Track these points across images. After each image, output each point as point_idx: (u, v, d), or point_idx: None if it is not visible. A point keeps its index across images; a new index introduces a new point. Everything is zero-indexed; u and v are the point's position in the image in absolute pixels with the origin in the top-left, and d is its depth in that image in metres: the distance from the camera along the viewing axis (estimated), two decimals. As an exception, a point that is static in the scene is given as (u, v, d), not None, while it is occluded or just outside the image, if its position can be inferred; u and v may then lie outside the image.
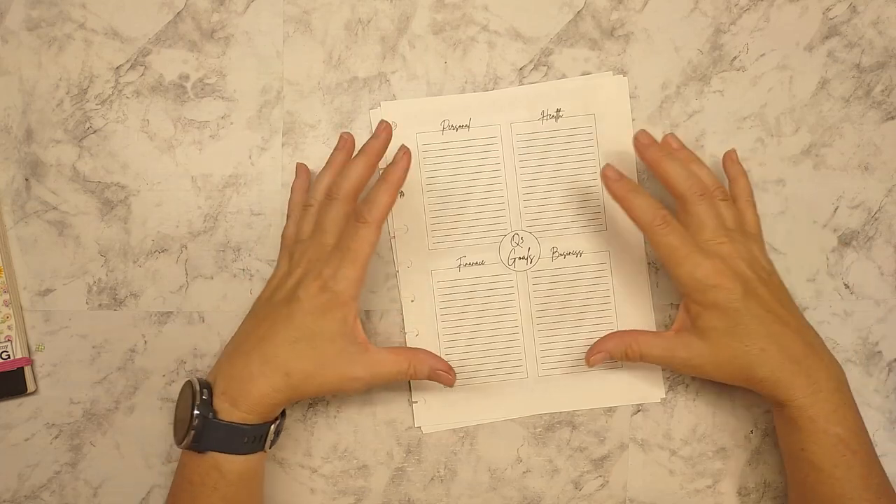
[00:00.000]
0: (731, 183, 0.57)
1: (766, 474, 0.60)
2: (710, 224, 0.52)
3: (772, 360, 0.51)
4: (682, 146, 0.58)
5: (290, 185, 0.59)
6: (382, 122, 0.54)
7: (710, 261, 0.51)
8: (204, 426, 0.49)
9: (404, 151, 0.52)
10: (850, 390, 0.52)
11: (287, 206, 0.58)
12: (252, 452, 0.51)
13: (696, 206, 0.52)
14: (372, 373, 0.52)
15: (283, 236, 0.56)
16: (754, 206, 0.56)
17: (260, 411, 0.50)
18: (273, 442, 0.52)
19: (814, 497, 0.52)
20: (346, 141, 0.57)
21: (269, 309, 0.52)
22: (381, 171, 0.59)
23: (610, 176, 0.53)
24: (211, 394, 0.50)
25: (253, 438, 0.50)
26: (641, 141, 0.54)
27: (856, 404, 0.52)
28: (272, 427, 0.51)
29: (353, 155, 0.55)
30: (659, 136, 0.59)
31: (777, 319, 0.51)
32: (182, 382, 0.58)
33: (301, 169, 0.58)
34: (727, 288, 0.50)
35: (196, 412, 0.49)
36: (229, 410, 0.49)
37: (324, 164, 0.56)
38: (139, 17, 0.59)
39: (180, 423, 0.50)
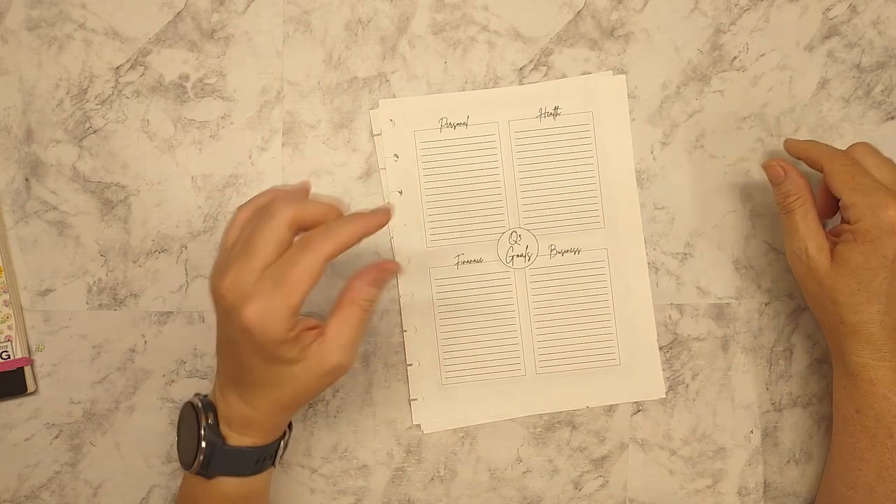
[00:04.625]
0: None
1: (766, 474, 0.60)
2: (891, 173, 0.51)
3: (867, 315, 0.50)
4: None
5: (291, 184, 0.59)
6: (387, 209, 0.47)
7: (893, 200, 0.49)
8: (213, 452, 0.47)
9: (388, 208, 0.47)
10: None
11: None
12: (261, 471, 0.49)
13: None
14: (326, 374, 0.45)
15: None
16: None
17: (268, 432, 0.48)
18: (281, 455, 0.51)
19: (860, 465, 0.51)
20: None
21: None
22: (382, 171, 0.59)
23: (789, 141, 0.55)
24: (216, 416, 0.48)
25: (263, 458, 0.49)
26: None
27: None
28: (281, 443, 0.50)
29: (348, 215, 0.46)
30: (659, 137, 0.59)
31: None
32: (182, 382, 0.59)
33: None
34: (893, 231, 0.49)
35: (204, 439, 0.47)
36: (239, 437, 0.47)
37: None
38: (139, 17, 0.59)
39: (186, 448, 0.48)
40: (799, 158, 0.54)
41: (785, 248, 0.54)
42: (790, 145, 0.55)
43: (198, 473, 0.48)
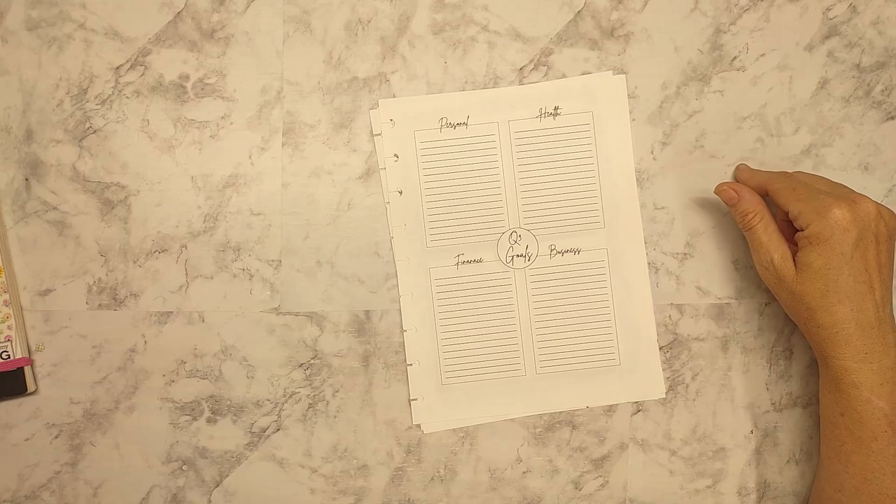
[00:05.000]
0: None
1: (766, 474, 0.59)
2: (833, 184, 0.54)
3: (839, 314, 0.51)
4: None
5: (290, 185, 0.59)
6: None
7: (837, 202, 0.51)
8: None
9: None
10: None
11: None
12: None
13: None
14: None
15: None
16: None
17: None
18: None
19: (846, 468, 0.52)
20: None
21: None
22: (383, 171, 0.59)
23: (740, 168, 0.59)
24: None
25: None
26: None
27: None
28: None
29: None
30: (659, 137, 0.59)
31: (867, 281, 0.51)
32: (182, 382, 0.59)
33: None
34: (844, 228, 0.50)
35: None
36: None
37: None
38: (139, 17, 0.59)
39: None
40: (747, 185, 0.57)
41: (754, 264, 0.56)
42: (739, 174, 0.59)
43: None
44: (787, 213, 0.54)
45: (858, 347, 0.51)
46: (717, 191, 0.57)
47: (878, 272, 0.52)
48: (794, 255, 0.53)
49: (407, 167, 0.59)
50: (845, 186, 0.54)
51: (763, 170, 0.58)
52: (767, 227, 0.54)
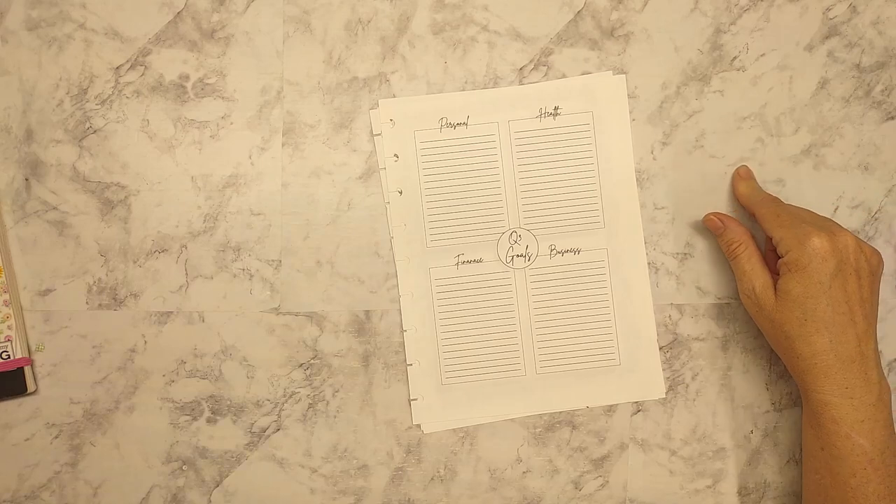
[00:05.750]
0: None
1: (766, 474, 0.60)
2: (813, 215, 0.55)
3: (817, 344, 0.51)
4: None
5: (290, 185, 0.59)
6: None
7: (817, 231, 0.51)
8: None
9: None
10: (889, 412, 0.51)
11: None
12: None
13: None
14: None
15: None
16: None
17: None
18: None
19: (825, 501, 0.52)
20: None
21: None
22: (383, 171, 0.59)
23: (740, 174, 0.59)
24: None
25: None
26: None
27: (892, 427, 0.51)
28: None
29: None
30: (659, 137, 0.59)
31: (847, 312, 0.51)
32: (182, 382, 0.59)
33: None
34: (823, 257, 0.51)
35: None
36: None
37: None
38: (139, 17, 0.59)
39: None
40: (741, 199, 0.59)
41: (739, 292, 0.56)
42: (737, 181, 0.59)
43: None
44: (771, 240, 0.55)
45: (838, 381, 0.51)
46: (705, 220, 0.59)
47: (860, 306, 0.52)
48: (774, 282, 0.54)
49: (407, 167, 0.59)
50: (831, 220, 0.54)
51: (757, 190, 0.58)
52: (751, 257, 0.55)
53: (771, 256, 0.56)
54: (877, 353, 0.52)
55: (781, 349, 0.54)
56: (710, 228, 0.58)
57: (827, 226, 0.52)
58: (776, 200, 0.56)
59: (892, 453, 0.51)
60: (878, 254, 0.53)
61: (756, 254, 0.55)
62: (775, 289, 0.53)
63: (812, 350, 0.51)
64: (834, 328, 0.51)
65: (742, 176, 0.59)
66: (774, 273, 0.55)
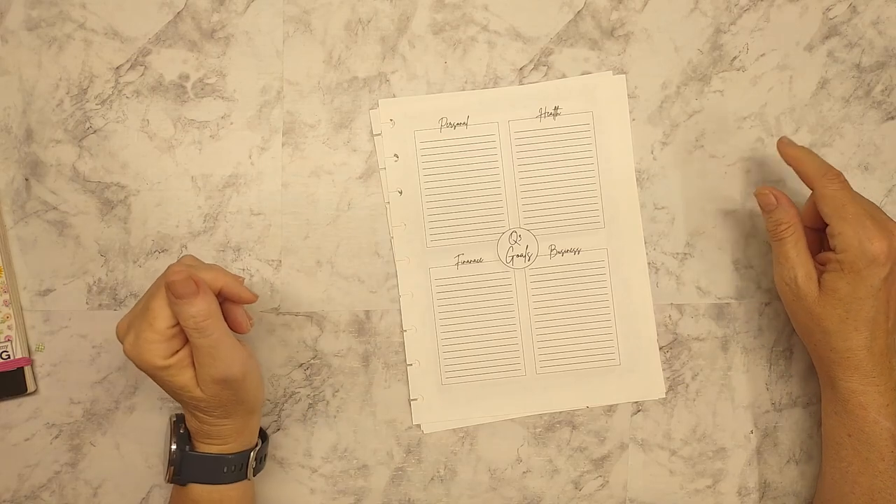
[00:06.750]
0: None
1: (766, 474, 0.60)
2: (870, 203, 0.52)
3: (855, 342, 0.51)
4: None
5: (290, 185, 0.59)
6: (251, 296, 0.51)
7: (878, 228, 0.50)
8: (182, 459, 0.51)
9: (252, 297, 0.51)
10: None
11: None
12: (236, 481, 0.52)
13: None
14: (202, 378, 0.49)
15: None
16: None
17: (236, 441, 0.52)
18: (257, 469, 0.54)
19: (853, 489, 0.52)
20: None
21: None
22: (382, 171, 0.59)
23: (784, 141, 0.54)
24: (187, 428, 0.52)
25: (234, 467, 0.52)
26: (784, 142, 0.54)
27: None
28: (252, 454, 0.53)
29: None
30: (659, 137, 0.59)
31: (888, 312, 0.51)
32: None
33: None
34: (880, 262, 0.50)
35: (173, 446, 0.51)
36: (205, 446, 0.52)
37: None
38: (139, 17, 0.59)
39: (165, 459, 0.52)
40: (790, 165, 0.54)
41: (774, 276, 0.54)
42: (785, 148, 0.54)
43: (172, 480, 0.51)
44: (818, 220, 0.53)
45: (867, 371, 0.51)
46: (758, 192, 0.54)
47: (894, 303, 0.52)
48: (818, 274, 0.52)
49: (407, 167, 0.59)
50: (889, 219, 0.52)
51: (816, 160, 0.53)
52: (798, 242, 0.53)
53: (812, 236, 0.54)
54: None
55: (812, 340, 0.53)
56: (760, 203, 0.54)
57: (889, 228, 0.50)
58: (843, 184, 0.52)
59: None
60: None
61: (803, 240, 0.53)
62: (819, 282, 0.52)
63: (847, 345, 0.51)
64: (873, 326, 0.51)
65: (786, 143, 0.54)
66: (816, 258, 0.53)
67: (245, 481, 0.53)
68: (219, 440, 0.51)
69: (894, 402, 0.51)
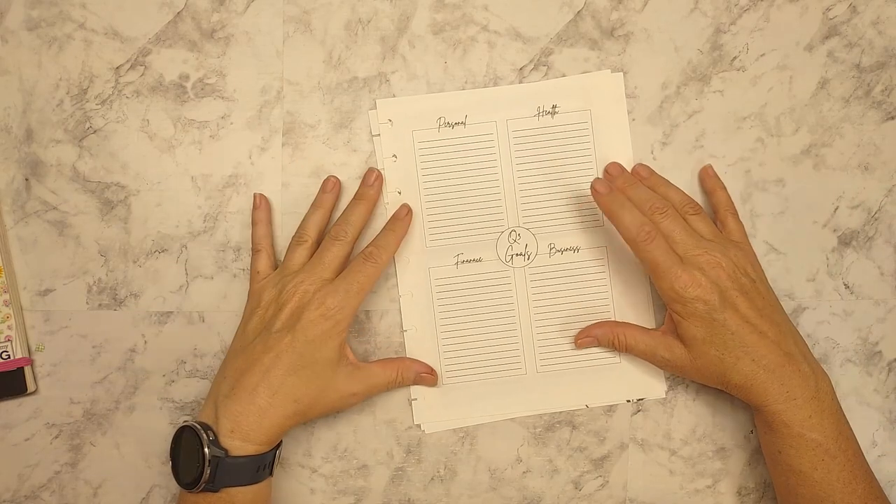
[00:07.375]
0: (709, 196, 0.59)
1: (766, 474, 0.59)
2: (681, 238, 0.53)
3: (745, 369, 0.52)
4: (651, 173, 0.58)
5: (290, 185, 0.59)
6: (372, 170, 0.58)
7: (687, 273, 0.52)
8: (218, 465, 0.50)
9: (407, 210, 0.57)
10: (832, 399, 0.52)
11: (253, 238, 0.58)
12: (262, 480, 0.52)
13: (661, 223, 0.54)
14: (367, 385, 0.56)
15: (257, 270, 0.57)
16: (735, 215, 0.58)
17: (271, 440, 0.52)
18: (276, 464, 0.54)
19: (797, 500, 0.52)
20: (332, 184, 0.58)
21: (267, 339, 0.53)
22: (382, 171, 0.59)
23: (599, 190, 0.54)
24: (215, 433, 0.51)
25: (262, 466, 0.52)
26: (597, 189, 0.55)
27: (839, 412, 0.52)
28: (277, 452, 0.53)
29: (353, 200, 0.58)
30: (659, 137, 0.59)
31: (753, 330, 0.52)
32: (182, 382, 0.59)
33: (262, 201, 0.59)
34: (704, 300, 0.52)
35: (208, 453, 0.50)
36: (241, 446, 0.51)
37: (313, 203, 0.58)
38: (139, 17, 0.59)
39: (187, 469, 0.51)
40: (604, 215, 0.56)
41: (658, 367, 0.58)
42: (599, 200, 0.55)
43: (204, 489, 0.50)
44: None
45: (777, 389, 0.52)
46: (578, 346, 0.58)
47: (761, 317, 0.53)
48: (672, 336, 0.55)
49: (405, 167, 0.59)
50: (698, 249, 0.53)
51: (625, 214, 0.53)
52: (637, 341, 0.56)
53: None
54: (803, 344, 0.54)
55: (720, 386, 0.54)
56: (604, 346, 0.58)
57: (690, 262, 0.52)
58: (654, 241, 0.52)
59: (846, 437, 0.52)
60: (747, 251, 0.55)
61: (636, 332, 0.57)
62: (680, 342, 0.54)
63: (742, 376, 0.52)
64: (750, 348, 0.52)
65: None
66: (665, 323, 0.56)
67: (268, 478, 0.53)
68: (257, 441, 0.51)
69: (816, 413, 0.51)
